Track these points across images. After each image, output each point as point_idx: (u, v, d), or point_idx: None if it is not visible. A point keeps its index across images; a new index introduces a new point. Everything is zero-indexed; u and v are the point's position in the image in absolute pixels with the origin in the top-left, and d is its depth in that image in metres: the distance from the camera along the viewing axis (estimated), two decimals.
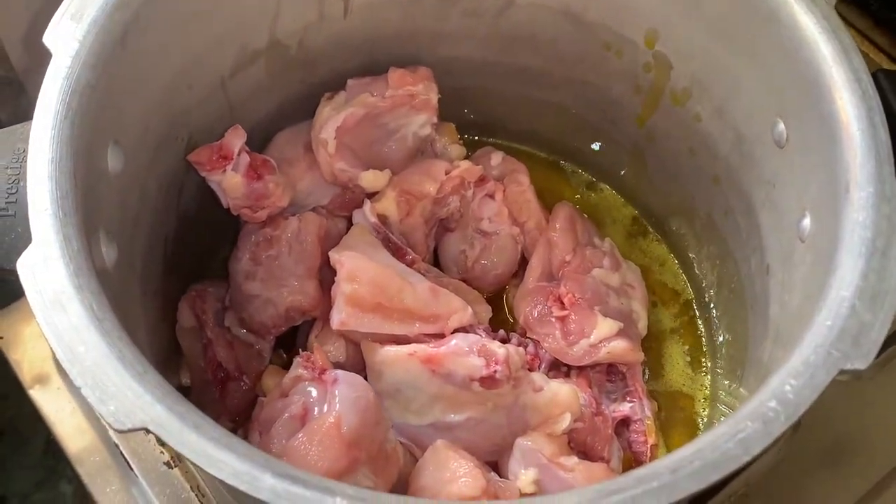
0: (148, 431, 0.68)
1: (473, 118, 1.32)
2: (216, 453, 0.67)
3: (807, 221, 0.89)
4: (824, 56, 0.87)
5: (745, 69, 0.99)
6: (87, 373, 0.69)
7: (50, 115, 0.80)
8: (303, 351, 1.00)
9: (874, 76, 0.87)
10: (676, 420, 1.17)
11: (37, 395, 1.18)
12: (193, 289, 1.11)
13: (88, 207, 0.80)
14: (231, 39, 1.05)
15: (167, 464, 1.09)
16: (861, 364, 0.72)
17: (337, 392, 0.92)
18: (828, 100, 0.85)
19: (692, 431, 1.15)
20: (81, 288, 0.73)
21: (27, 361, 1.19)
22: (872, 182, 0.79)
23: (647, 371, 1.19)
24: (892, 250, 0.76)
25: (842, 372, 0.72)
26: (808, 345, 0.74)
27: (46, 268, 0.73)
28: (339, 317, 1.02)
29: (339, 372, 0.95)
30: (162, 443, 1.07)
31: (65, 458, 1.14)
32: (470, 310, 1.07)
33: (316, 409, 0.93)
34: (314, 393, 0.94)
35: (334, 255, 1.05)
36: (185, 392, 1.11)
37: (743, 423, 0.70)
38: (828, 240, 0.81)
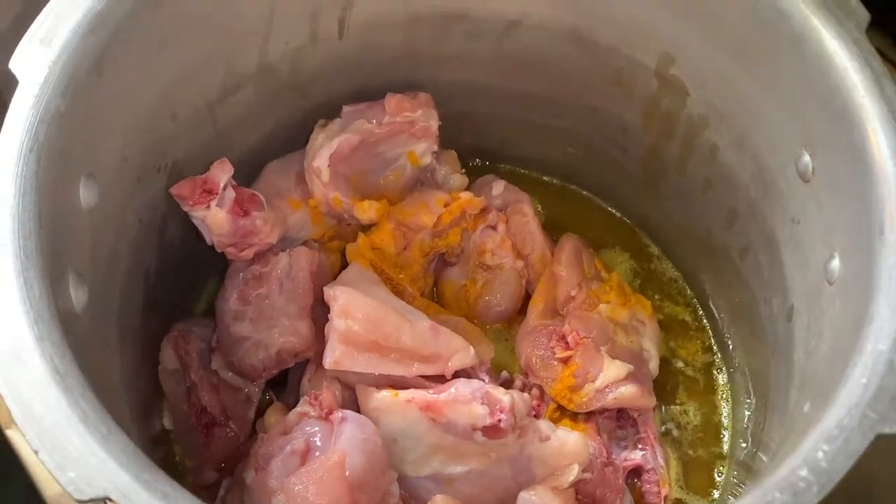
0: (110, 501, 0.62)
1: (477, 144, 1.28)
2: None
3: (835, 263, 0.84)
4: (854, 84, 0.81)
5: (766, 96, 0.94)
6: (45, 435, 0.65)
7: (14, 148, 0.75)
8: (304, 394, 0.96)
9: None
10: (695, 464, 1.12)
11: (14, 435, 1.13)
12: (177, 328, 1.07)
13: (56, 247, 0.76)
14: (217, 63, 1.00)
15: None
16: None
17: (344, 430, 0.88)
18: (859, 132, 0.79)
19: (710, 475, 1.11)
20: (42, 339, 0.68)
21: (2, 400, 1.14)
22: None
23: (662, 410, 1.14)
24: None
25: (879, 436, 0.67)
26: (841, 405, 0.69)
27: (4, 316, 0.69)
28: (333, 356, 0.96)
29: (349, 412, 0.91)
30: None
31: None
32: (472, 350, 1.02)
33: (320, 446, 0.89)
34: (319, 431, 0.90)
35: (329, 291, 1.00)
36: (168, 437, 1.06)
37: (771, 495, 0.65)
38: (861, 284, 0.76)
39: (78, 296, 0.79)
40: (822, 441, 0.66)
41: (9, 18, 1.13)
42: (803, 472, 0.65)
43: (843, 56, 0.82)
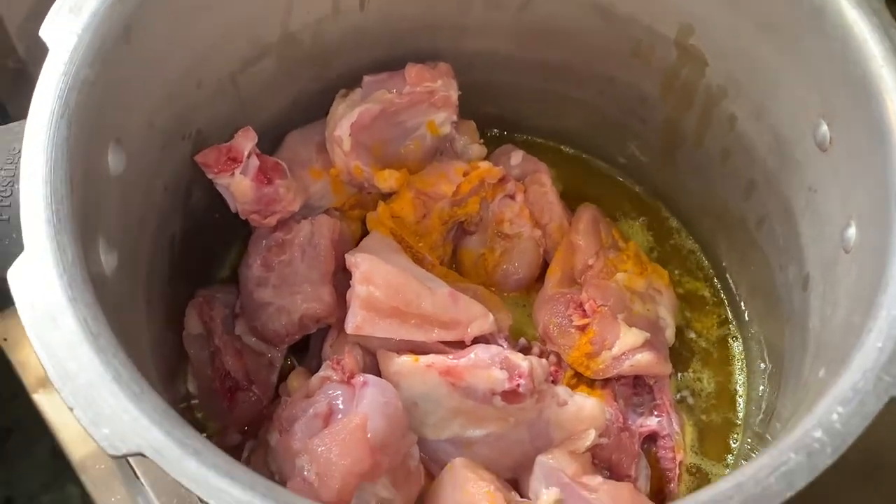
0: (144, 457, 0.63)
1: (495, 114, 1.28)
2: (217, 482, 0.63)
3: (852, 231, 0.84)
4: (873, 55, 0.81)
5: (785, 67, 0.93)
6: (79, 392, 0.66)
7: (45, 114, 0.76)
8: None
9: None
10: (709, 430, 1.12)
11: (40, 398, 1.15)
12: (201, 294, 1.07)
13: (87, 212, 0.77)
14: (241, 32, 1.00)
15: None
16: None
17: (365, 394, 0.89)
18: (877, 102, 0.80)
19: (724, 441, 1.11)
20: (76, 300, 0.69)
21: (31, 364, 1.16)
22: None
23: (678, 377, 1.14)
24: None
25: (893, 399, 0.67)
26: (856, 368, 0.69)
27: (38, 278, 0.69)
28: (354, 321, 0.97)
29: (370, 376, 0.92)
30: None
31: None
32: (491, 317, 1.03)
33: (342, 409, 0.90)
34: (341, 394, 0.91)
35: (350, 258, 1.01)
36: (192, 401, 1.07)
37: (786, 455, 0.66)
38: (876, 252, 0.77)
39: (108, 260, 0.80)
40: (837, 403, 0.67)
41: None
42: (818, 434, 0.66)
43: (862, 26, 0.82)
